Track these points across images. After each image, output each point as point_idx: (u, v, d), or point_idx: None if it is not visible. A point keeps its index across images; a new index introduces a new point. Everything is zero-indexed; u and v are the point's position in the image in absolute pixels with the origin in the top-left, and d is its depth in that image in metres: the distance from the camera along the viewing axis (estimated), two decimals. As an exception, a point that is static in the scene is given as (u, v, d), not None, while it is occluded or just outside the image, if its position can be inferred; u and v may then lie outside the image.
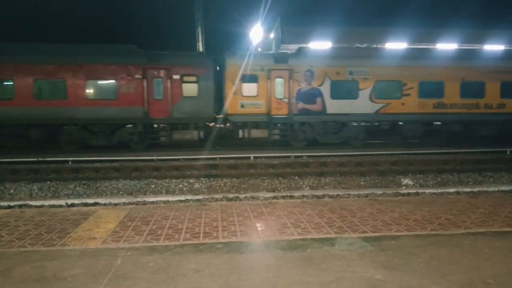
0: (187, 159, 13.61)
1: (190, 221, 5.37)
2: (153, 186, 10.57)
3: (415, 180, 11.42)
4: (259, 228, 5.02)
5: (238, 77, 16.61)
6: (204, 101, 16.47)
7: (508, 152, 15.89)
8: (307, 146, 17.21)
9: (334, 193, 9.40)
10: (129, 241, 4.57)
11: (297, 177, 11.61)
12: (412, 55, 18.04)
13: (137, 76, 15.99)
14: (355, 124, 17.52)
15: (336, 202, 6.77)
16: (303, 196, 8.98)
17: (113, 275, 3.66)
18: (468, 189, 9.77)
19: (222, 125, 17.89)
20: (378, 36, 25.97)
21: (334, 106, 17.08)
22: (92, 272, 3.72)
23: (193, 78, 16.44)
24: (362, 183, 11.21)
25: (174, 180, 11.05)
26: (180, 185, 10.64)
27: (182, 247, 4.38)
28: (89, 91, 15.86)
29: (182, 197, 9.10)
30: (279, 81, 16.90)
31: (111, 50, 16.48)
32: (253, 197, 8.80)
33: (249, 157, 14.15)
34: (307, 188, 10.74)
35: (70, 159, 13.24)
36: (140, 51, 16.91)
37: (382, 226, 5.08)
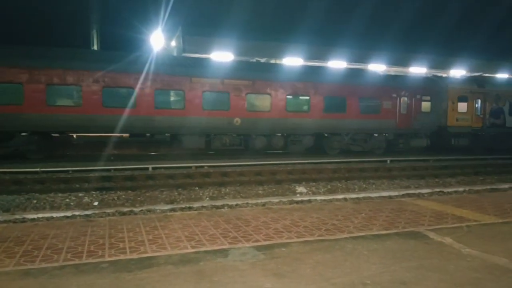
0: (77, 171, 12.58)
1: (73, 239, 4.90)
2: (35, 201, 9.51)
3: (308, 188, 12.08)
4: (150, 244, 4.78)
5: (456, 97, 22.16)
6: (434, 115, 21.71)
7: (388, 161, 17.80)
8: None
9: (233, 202, 9.43)
10: (-4, 266, 3.99)
11: (197, 188, 11.47)
12: None
13: (393, 95, 20.62)
14: None
15: (233, 212, 6.81)
16: (203, 207, 8.85)
17: (-30, 308, 3.14)
18: (354, 195, 10.60)
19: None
20: (276, 51, 27.26)
21: (510, 121, 23.55)
22: None
23: (428, 97, 21.60)
24: (260, 192, 11.49)
25: (60, 194, 10.09)
26: (67, 200, 9.74)
27: (62, 268, 3.95)
28: (360, 107, 19.85)
29: (69, 213, 8.29)
30: (478, 101, 22.81)
31: (374, 74, 22.57)
32: (149, 210, 8.41)
33: (147, 168, 13.61)
34: (207, 198, 10.65)
35: None
36: (390, 75, 23.57)
37: (274, 234, 5.22)
